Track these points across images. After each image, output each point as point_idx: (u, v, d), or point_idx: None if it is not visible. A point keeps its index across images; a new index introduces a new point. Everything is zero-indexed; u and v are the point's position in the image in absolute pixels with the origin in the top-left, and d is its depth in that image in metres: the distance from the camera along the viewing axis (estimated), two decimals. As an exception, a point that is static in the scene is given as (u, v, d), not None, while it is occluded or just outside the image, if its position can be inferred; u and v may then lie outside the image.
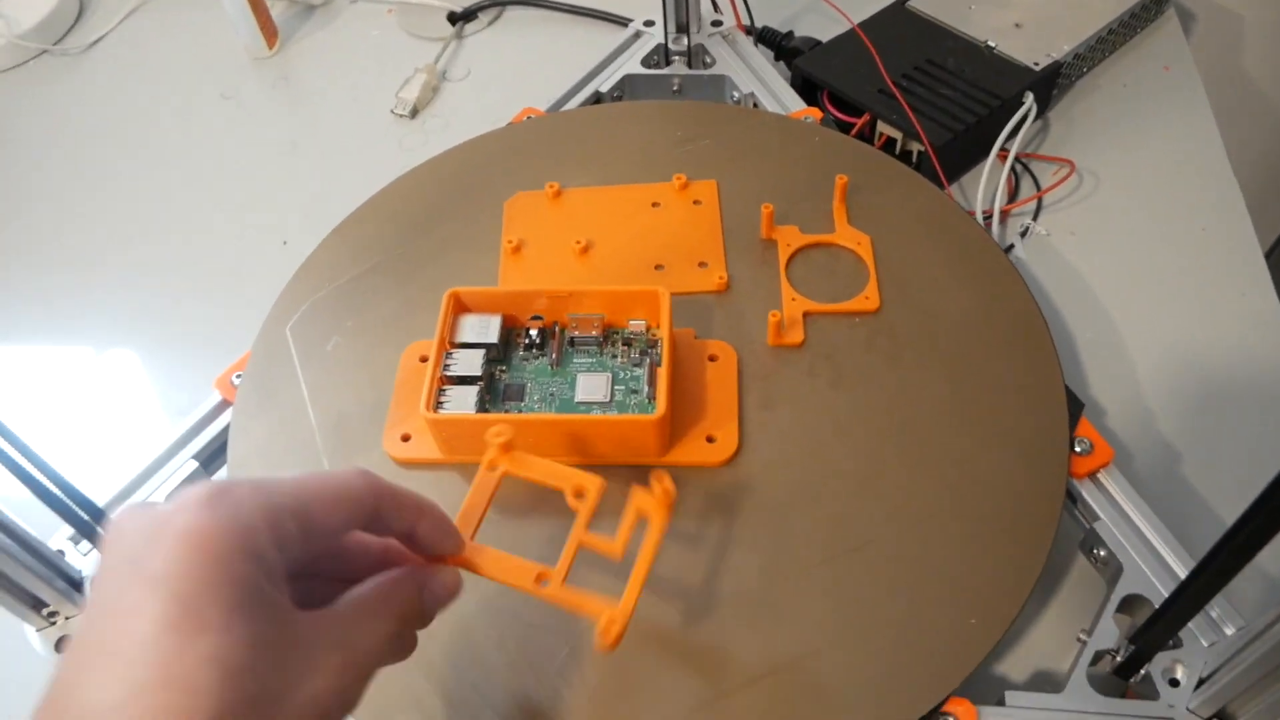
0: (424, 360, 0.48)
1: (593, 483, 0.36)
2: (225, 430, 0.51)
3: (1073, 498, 0.47)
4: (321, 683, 0.27)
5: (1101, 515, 0.46)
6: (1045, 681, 0.44)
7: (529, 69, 0.74)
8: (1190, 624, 0.41)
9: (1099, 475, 0.47)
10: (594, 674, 0.41)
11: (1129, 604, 0.43)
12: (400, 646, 0.32)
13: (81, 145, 0.74)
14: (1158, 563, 0.44)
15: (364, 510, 0.30)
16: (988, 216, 0.61)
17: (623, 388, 0.47)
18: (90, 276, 0.65)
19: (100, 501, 0.46)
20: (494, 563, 0.35)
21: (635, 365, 0.47)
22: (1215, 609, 0.42)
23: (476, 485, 0.36)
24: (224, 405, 0.52)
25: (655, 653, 0.41)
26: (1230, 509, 0.48)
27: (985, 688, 0.43)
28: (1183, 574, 0.43)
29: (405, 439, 0.47)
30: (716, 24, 0.68)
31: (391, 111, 0.72)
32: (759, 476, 0.45)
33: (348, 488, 0.30)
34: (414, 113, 0.71)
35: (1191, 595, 0.36)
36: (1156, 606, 0.41)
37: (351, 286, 0.54)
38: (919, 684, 0.40)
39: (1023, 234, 0.61)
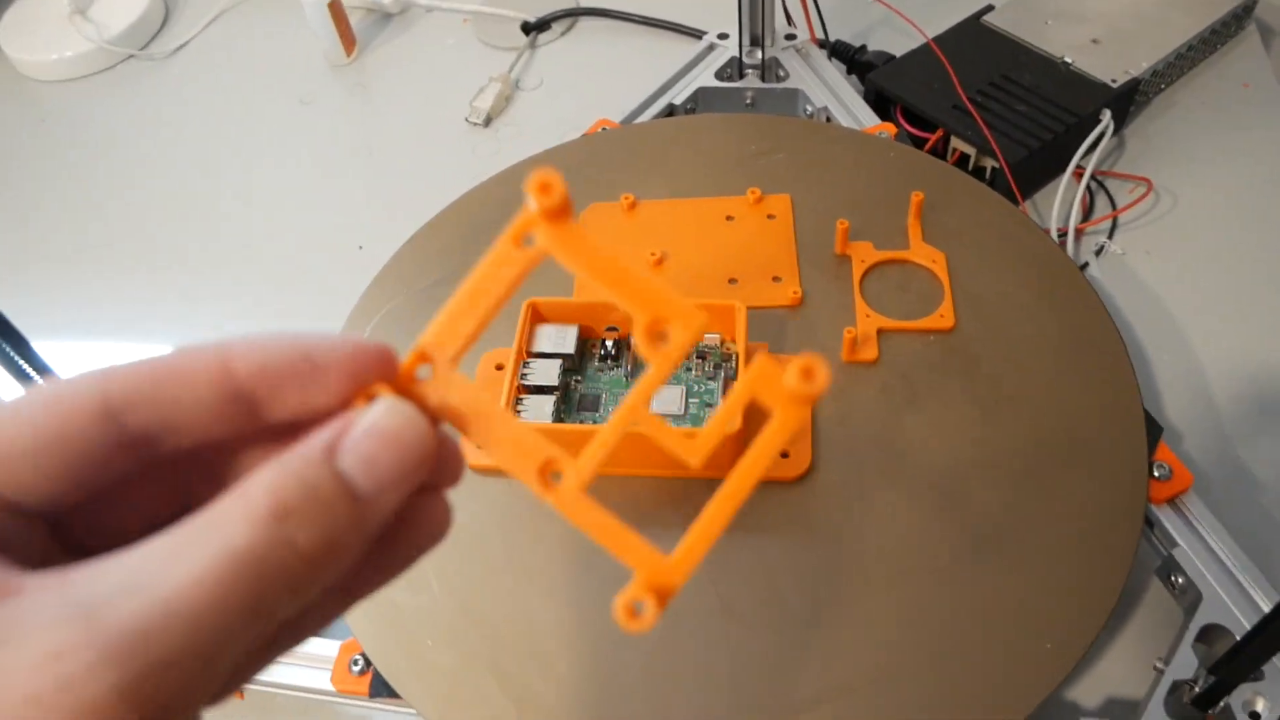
0: (500, 368, 0.49)
1: (687, 317, 0.21)
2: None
3: (1150, 523, 0.46)
4: (37, 681, 0.15)
5: (1180, 542, 0.45)
6: (1120, 709, 0.43)
7: (601, 79, 0.75)
8: (1274, 657, 0.40)
9: (1178, 501, 0.46)
10: (661, 693, 0.41)
11: (1208, 634, 0.43)
12: (325, 562, 0.18)
13: (164, 148, 0.76)
14: (1239, 592, 0.43)
15: (72, 422, 0.19)
16: (1062, 234, 0.60)
17: (697, 400, 0.47)
18: (169, 276, 0.67)
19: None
20: (482, 421, 0.21)
21: (709, 378, 0.48)
22: (1299, 642, 0.41)
23: (485, 266, 0.21)
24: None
25: (717, 668, 0.41)
26: (1313, 539, 0.48)
27: (1059, 714, 0.42)
28: (1265, 605, 0.43)
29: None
30: (790, 37, 0.68)
31: (465, 119, 0.73)
32: (832, 493, 0.45)
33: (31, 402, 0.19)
34: (488, 121, 0.72)
35: (1277, 629, 0.35)
36: (1237, 637, 0.41)
37: (428, 294, 0.55)
38: (992, 709, 0.40)
39: (1098, 252, 0.60)
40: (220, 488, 0.19)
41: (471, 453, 0.48)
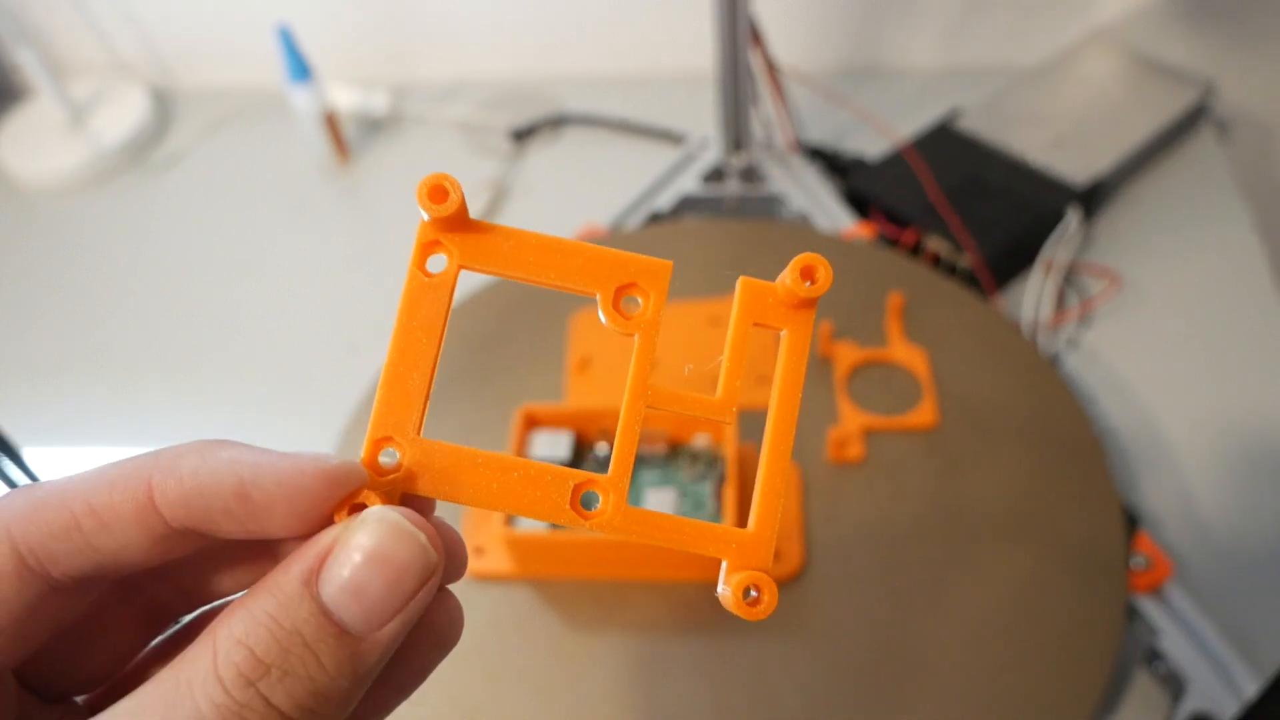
0: (497, 474, 0.50)
1: (653, 272, 0.20)
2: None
3: (1133, 612, 0.47)
4: None
5: (1162, 630, 0.46)
6: (1113, 801, 0.44)
7: (588, 183, 0.77)
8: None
9: (1159, 590, 0.47)
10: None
11: (1195, 722, 0.44)
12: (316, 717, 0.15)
13: (160, 255, 0.78)
14: (1224, 679, 0.44)
15: None
16: (1035, 327, 0.62)
17: (689, 502, 0.48)
18: (166, 383, 0.68)
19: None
20: (483, 477, 0.19)
21: (701, 479, 0.49)
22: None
23: (404, 311, 0.20)
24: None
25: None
26: (1293, 621, 0.49)
27: (1053, 807, 0.43)
28: (1250, 689, 0.44)
29: (479, 551, 0.49)
30: (768, 143, 0.71)
31: (456, 224, 0.75)
32: (824, 592, 0.46)
33: None
34: (478, 226, 0.75)
35: (1264, 715, 0.36)
36: (1223, 726, 0.42)
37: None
38: (988, 804, 0.40)
39: (1070, 343, 0.62)
40: (196, 602, 0.18)
41: (469, 557, 0.48)
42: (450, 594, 0.19)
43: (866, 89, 0.82)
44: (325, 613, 0.16)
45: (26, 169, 0.85)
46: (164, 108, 0.91)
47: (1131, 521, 0.49)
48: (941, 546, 0.48)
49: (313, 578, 0.16)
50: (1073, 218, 0.65)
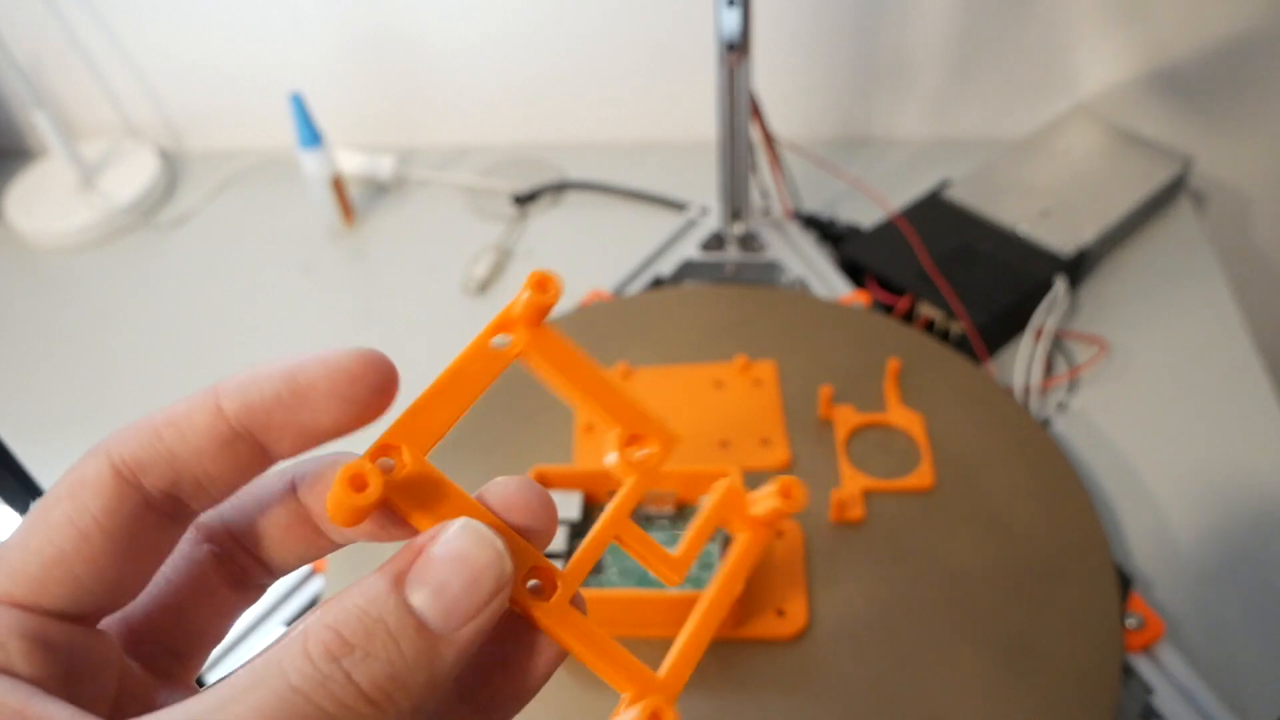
0: (507, 534, 0.52)
1: (664, 436, 0.22)
2: (315, 600, 0.54)
3: (1128, 671, 0.49)
4: None
5: (1157, 688, 0.48)
6: None
7: (589, 247, 0.80)
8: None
9: (1152, 649, 0.49)
10: None
11: (1190, 780, 0.45)
12: (391, 702, 0.17)
13: (168, 316, 0.79)
14: (1215, 738, 0.46)
15: (92, 499, 0.19)
16: (1026, 392, 0.64)
17: (697, 562, 0.49)
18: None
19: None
20: (450, 510, 0.20)
21: (709, 541, 0.50)
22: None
23: (459, 362, 0.21)
24: (312, 574, 0.55)
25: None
26: (1280, 679, 0.50)
27: None
28: (1240, 750, 0.45)
29: (490, 610, 0.50)
30: (767, 211, 0.74)
31: (460, 287, 0.77)
32: (828, 649, 0.48)
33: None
34: (482, 288, 0.77)
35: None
36: (1218, 784, 0.43)
37: (431, 461, 0.57)
38: None
39: (1059, 407, 0.64)
40: (276, 572, 0.22)
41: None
42: (549, 641, 0.21)
43: (859, 159, 0.85)
44: (409, 608, 0.17)
45: (37, 227, 0.86)
46: (172, 169, 0.93)
47: (1124, 581, 0.51)
48: (941, 605, 0.49)
49: (401, 579, 0.18)
50: (1060, 286, 0.67)
